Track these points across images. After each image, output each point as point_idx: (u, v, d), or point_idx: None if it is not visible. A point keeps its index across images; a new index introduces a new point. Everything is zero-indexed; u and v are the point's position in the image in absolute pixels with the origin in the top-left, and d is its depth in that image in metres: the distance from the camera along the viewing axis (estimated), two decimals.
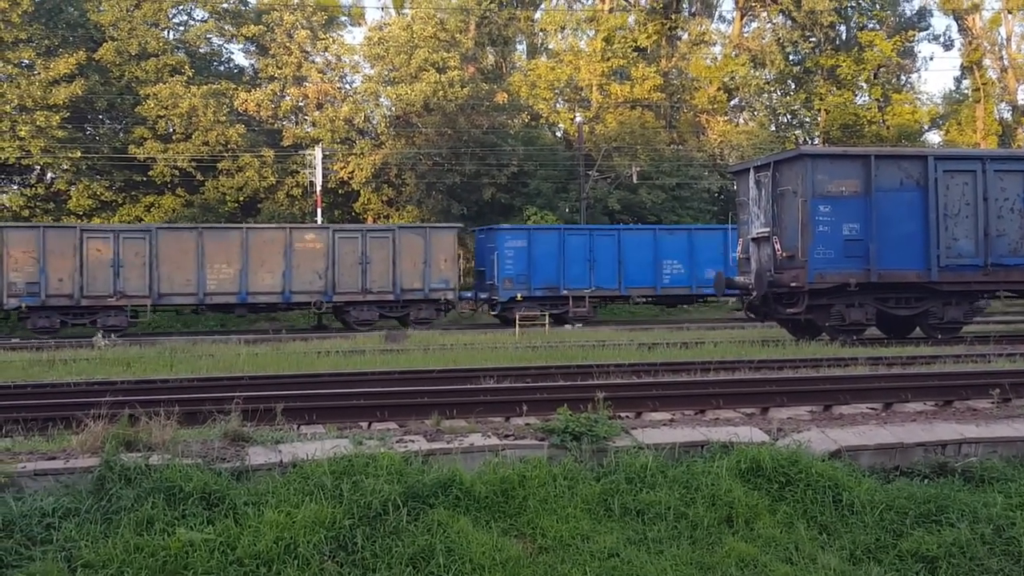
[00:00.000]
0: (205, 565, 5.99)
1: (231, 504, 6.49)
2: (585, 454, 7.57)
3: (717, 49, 52.42)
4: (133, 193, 40.62)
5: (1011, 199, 20.73)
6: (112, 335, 23.98)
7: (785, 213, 20.60)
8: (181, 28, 44.55)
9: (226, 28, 43.80)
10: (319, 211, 38.36)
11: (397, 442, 7.53)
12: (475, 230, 36.43)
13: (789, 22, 50.51)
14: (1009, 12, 52.85)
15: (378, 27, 44.99)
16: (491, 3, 47.01)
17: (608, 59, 46.53)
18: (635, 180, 41.67)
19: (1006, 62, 53.57)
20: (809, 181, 19.91)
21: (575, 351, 17.81)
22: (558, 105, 48.45)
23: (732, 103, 52.42)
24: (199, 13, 44.42)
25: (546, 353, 17.47)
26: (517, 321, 27.15)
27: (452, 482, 6.79)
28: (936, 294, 20.56)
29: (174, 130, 40.03)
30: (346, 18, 51.92)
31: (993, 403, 9.67)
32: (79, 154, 37.99)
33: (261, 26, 42.37)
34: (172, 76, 39.55)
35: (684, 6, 52.52)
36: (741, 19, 52.87)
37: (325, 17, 44.63)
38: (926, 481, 7.67)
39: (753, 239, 21.68)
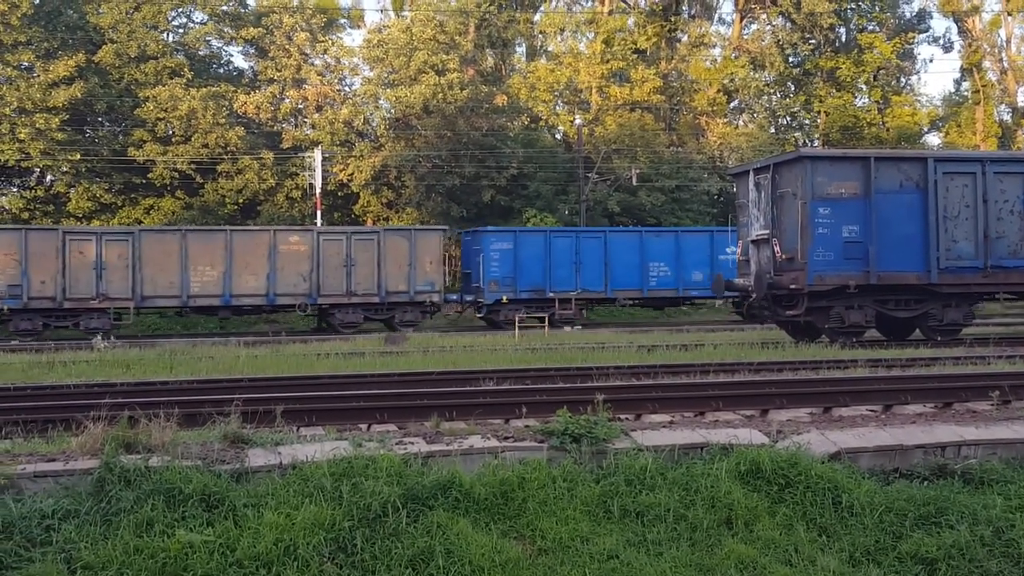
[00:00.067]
0: (205, 567, 5.99)
1: (231, 506, 6.49)
2: (585, 456, 7.57)
3: (717, 51, 52.52)
4: (133, 195, 40.63)
5: (1011, 201, 20.75)
6: (111, 337, 23.95)
7: (785, 215, 20.61)
8: (180, 30, 44.58)
9: (225, 30, 43.82)
10: (319, 213, 38.36)
11: (396, 444, 7.53)
12: (462, 232, 36.38)
13: (789, 24, 50.52)
14: (1009, 14, 52.90)
15: (377, 29, 45.02)
16: (490, 5, 47.02)
17: (607, 61, 46.53)
18: (635, 182, 41.67)
19: (1006, 64, 53.63)
20: (809, 183, 19.92)
21: (574, 353, 17.80)
22: (557, 107, 48.47)
23: (732, 105, 52.45)
24: (198, 15, 44.48)
25: (545, 355, 17.47)
26: (516, 323, 27.16)
27: (451, 484, 6.79)
28: (936, 296, 20.57)
29: (173, 132, 40.03)
30: (345, 20, 51.99)
31: (993, 405, 9.67)
32: (78, 156, 38.00)
33: (260, 28, 42.41)
34: (171, 78, 39.56)
35: (683, 8, 52.54)
36: (740, 21, 52.88)
37: (324, 19, 44.67)
38: (925, 483, 7.67)
39: (753, 241, 21.69)
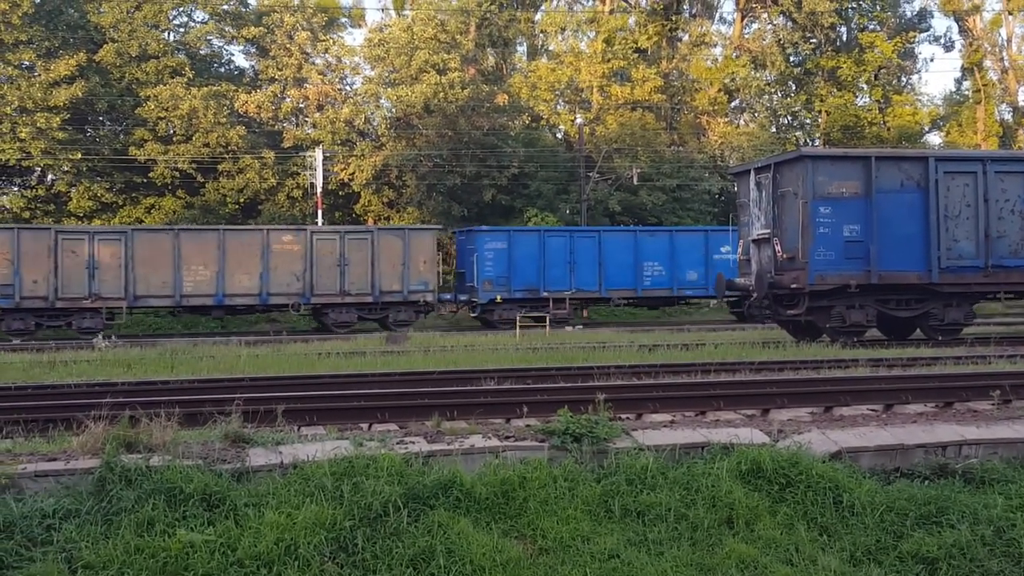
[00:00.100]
0: (206, 566, 5.99)
1: (232, 505, 6.49)
2: (586, 455, 7.57)
3: (718, 50, 52.52)
4: (134, 195, 40.66)
5: (1012, 200, 20.73)
6: (112, 336, 23.96)
7: (786, 215, 20.61)
8: (181, 30, 44.60)
9: (226, 30, 43.83)
10: (319, 213, 38.37)
11: (398, 443, 7.53)
12: (456, 232, 36.33)
13: (790, 23, 50.51)
14: (1010, 13, 52.88)
15: (378, 29, 45.03)
16: (491, 5, 47.01)
17: (608, 60, 46.52)
18: (636, 182, 41.65)
19: (1007, 63, 53.61)
20: (810, 183, 19.91)
21: (575, 353, 17.80)
22: (558, 107, 48.44)
23: (733, 104, 52.43)
24: (199, 15, 44.50)
25: (546, 355, 17.47)
26: (517, 323, 27.16)
27: (453, 483, 6.79)
28: (937, 296, 20.56)
29: (174, 132, 40.05)
30: (346, 20, 52.05)
31: (994, 404, 9.67)
32: (79, 156, 38.03)
33: (261, 28, 42.42)
34: (172, 78, 39.58)
35: (684, 7, 52.54)
36: (742, 20, 52.87)
37: (325, 19, 44.71)
38: (926, 482, 7.67)
39: (754, 241, 21.68)
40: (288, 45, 42.00)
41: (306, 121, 43.20)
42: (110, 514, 6.36)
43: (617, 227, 38.23)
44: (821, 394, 10.21)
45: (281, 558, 6.11)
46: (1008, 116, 54.21)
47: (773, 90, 52.14)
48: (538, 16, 52.58)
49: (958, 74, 62.62)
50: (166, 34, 43.13)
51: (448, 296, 33.13)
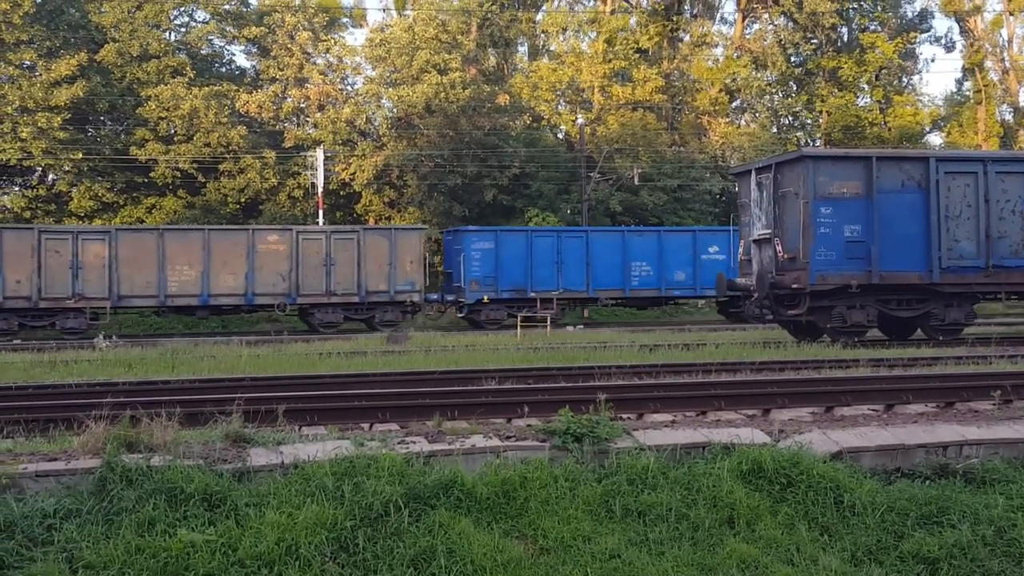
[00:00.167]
0: (206, 566, 5.99)
1: (232, 505, 6.49)
2: (587, 455, 7.57)
3: (719, 51, 52.53)
4: (135, 195, 40.67)
5: (1012, 201, 20.73)
6: (113, 336, 23.96)
7: (787, 215, 20.60)
8: (182, 30, 44.64)
9: (227, 30, 43.86)
10: (320, 213, 38.38)
11: (399, 443, 7.52)
12: (443, 232, 36.26)
13: (791, 24, 50.51)
14: (1011, 14, 52.86)
15: (380, 29, 45.05)
16: (493, 5, 47.02)
17: (610, 61, 46.53)
18: (636, 182, 41.65)
19: (1008, 64, 53.56)
20: (811, 183, 19.91)
21: (576, 352, 17.81)
22: (559, 107, 48.46)
23: (734, 105, 52.44)
24: (200, 15, 44.53)
25: (547, 355, 17.48)
26: (519, 322, 27.15)
27: (454, 483, 6.79)
28: (937, 296, 20.56)
29: (175, 131, 40.06)
30: (348, 20, 52.01)
31: (994, 404, 9.67)
32: (80, 155, 38.04)
33: (263, 28, 42.43)
34: (173, 78, 39.61)
35: (686, 8, 52.53)
36: (743, 21, 52.88)
37: (327, 19, 44.70)
38: (927, 482, 7.67)
39: (755, 241, 21.68)
40: (289, 45, 42.02)
41: (307, 121, 43.21)
42: (111, 514, 6.36)
43: (605, 227, 38.11)
44: (822, 394, 10.20)
45: (282, 558, 6.11)
46: (1009, 117, 54.18)
47: (774, 90, 52.15)
48: (539, 16, 52.59)
49: (959, 74, 62.60)
50: (167, 34, 43.17)
51: (435, 296, 33.08)
